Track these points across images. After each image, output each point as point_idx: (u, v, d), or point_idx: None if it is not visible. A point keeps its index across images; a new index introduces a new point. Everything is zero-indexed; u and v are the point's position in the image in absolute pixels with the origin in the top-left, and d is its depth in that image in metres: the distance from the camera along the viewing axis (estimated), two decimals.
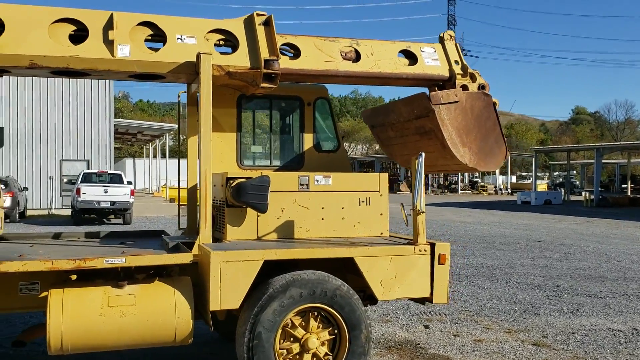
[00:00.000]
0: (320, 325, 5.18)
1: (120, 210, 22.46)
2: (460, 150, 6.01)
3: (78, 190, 21.73)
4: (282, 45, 5.96)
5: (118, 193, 22.13)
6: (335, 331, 5.20)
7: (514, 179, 74.18)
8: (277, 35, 5.91)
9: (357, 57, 6.09)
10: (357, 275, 5.32)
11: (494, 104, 6.32)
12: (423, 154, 5.36)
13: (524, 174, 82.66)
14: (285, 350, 5.08)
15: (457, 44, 6.56)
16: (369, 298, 5.66)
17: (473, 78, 6.33)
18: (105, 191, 21.96)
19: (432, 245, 5.45)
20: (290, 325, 5.07)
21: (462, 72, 6.31)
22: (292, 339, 5.10)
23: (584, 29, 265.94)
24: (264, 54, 5.74)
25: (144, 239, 6.62)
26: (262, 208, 5.54)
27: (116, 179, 23.40)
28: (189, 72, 5.59)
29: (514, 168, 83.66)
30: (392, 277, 5.29)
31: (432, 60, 6.38)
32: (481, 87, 6.30)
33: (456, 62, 6.37)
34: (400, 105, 6.50)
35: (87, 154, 31.09)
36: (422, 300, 5.72)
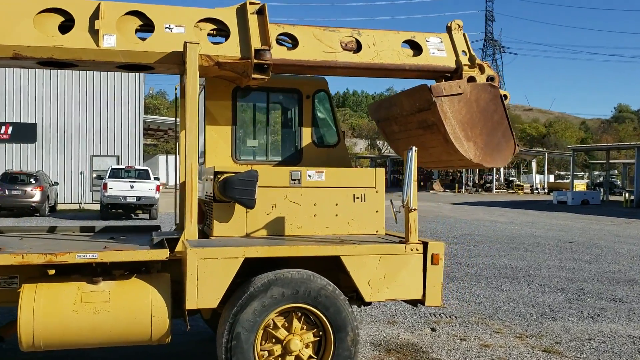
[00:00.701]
0: (305, 327, 4.94)
1: (146, 206, 22.63)
2: (465, 145, 5.70)
3: (105, 186, 21.97)
4: (280, 35, 5.75)
5: (144, 188, 22.31)
6: (320, 333, 4.95)
7: (552, 178, 72.36)
8: (274, 25, 5.71)
9: (358, 48, 5.84)
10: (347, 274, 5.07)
11: (503, 96, 5.98)
12: (414, 148, 5.05)
13: (562, 173, 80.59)
14: (266, 352, 4.85)
15: (465, 34, 6.24)
16: (362, 299, 5.39)
17: (482, 69, 6.01)
18: (132, 186, 22.15)
19: (425, 245, 5.14)
20: (272, 325, 4.84)
21: (469, 63, 6.00)
22: (274, 340, 4.86)
23: (628, 25, 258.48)
24: (256, 43, 5.53)
25: (139, 234, 6.47)
26: (249, 204, 5.33)
27: (143, 175, 23.59)
28: (177, 62, 5.41)
29: (552, 167, 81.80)
30: (381, 277, 5.01)
31: (437, 51, 6.09)
32: (490, 78, 5.98)
33: (464, 52, 6.07)
34: (402, 97, 6.21)
35: (117, 150, 31.48)
36: (414, 303, 5.42)
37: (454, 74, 6.02)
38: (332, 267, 5.22)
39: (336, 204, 5.68)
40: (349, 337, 4.90)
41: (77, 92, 30.91)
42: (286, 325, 4.88)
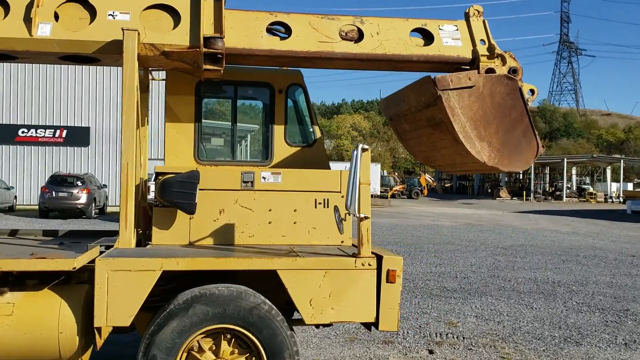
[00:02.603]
0: (236, 351, 4.31)
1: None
2: (477, 146, 4.96)
3: (147, 188, 22.16)
4: (273, 24, 5.22)
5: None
6: (254, 358, 4.30)
7: (630, 186, 68.19)
8: (266, 14, 5.22)
9: (360, 37, 5.23)
10: None
11: (530, 91, 5.21)
12: (360, 146, 4.34)
13: None
14: None
15: (486, 21, 5.49)
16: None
17: (503, 60, 5.23)
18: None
19: (380, 259, 4.40)
20: (197, 348, 4.24)
21: (488, 53, 5.26)
22: None
23: None
24: (207, 31, 5.00)
25: (101, 239, 6.02)
26: (188, 208, 4.79)
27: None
28: (120, 52, 4.93)
29: (631, 175, 77.28)
30: (325, 295, 4.31)
31: (452, 40, 5.37)
32: (512, 70, 5.20)
33: (482, 41, 5.34)
34: (409, 92, 5.53)
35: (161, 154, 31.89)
36: (368, 326, 4.69)
37: (471, 65, 5.29)
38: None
39: (295, 210, 5.05)
40: None
41: None
42: (214, 348, 4.27)
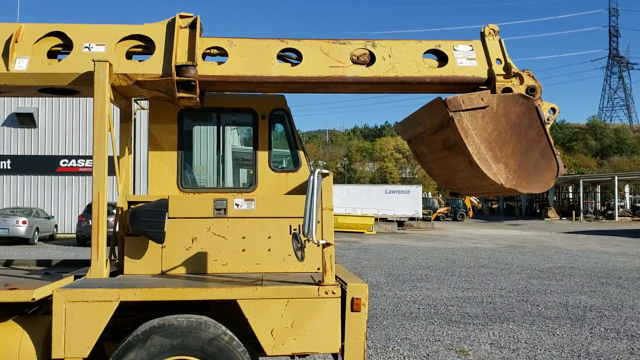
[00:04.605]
0: None
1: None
2: (493, 168, 4.79)
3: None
4: (285, 51, 5.22)
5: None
6: None
7: None
8: (277, 41, 5.22)
9: (372, 61, 5.17)
10: None
11: (550, 110, 5.02)
12: (317, 171, 4.20)
13: None
14: None
15: (502, 40, 5.34)
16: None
17: (520, 79, 5.06)
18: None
19: (344, 287, 4.22)
20: None
21: (504, 73, 5.09)
22: None
23: None
24: (181, 59, 5.00)
25: (82, 269, 6.01)
26: (157, 237, 4.74)
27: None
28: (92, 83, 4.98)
29: None
30: (287, 325, 4.15)
31: (467, 60, 5.25)
32: (530, 89, 5.01)
33: (498, 60, 5.19)
34: (423, 114, 5.39)
35: None
36: (334, 355, 4.49)
37: (487, 85, 5.14)
38: None
39: (269, 237, 4.94)
40: None
41: None
42: None
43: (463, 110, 4.79)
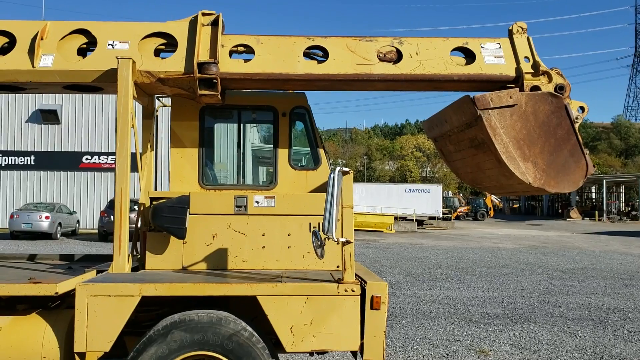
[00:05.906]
0: None
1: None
2: (521, 167, 4.76)
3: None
4: (310, 48, 5.22)
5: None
6: None
7: None
8: (304, 38, 5.22)
9: (399, 58, 5.15)
10: None
11: (579, 109, 4.96)
12: (337, 169, 4.19)
13: None
14: None
15: (530, 38, 5.30)
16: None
17: (549, 77, 5.01)
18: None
19: (363, 285, 4.21)
20: None
21: (532, 71, 5.04)
22: None
23: None
24: (203, 57, 5.02)
25: (104, 263, 6.07)
26: (178, 233, 4.77)
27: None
28: (115, 80, 5.02)
29: None
30: (306, 322, 4.16)
31: (494, 58, 5.21)
32: (558, 87, 4.97)
33: (526, 58, 5.15)
34: (450, 112, 5.37)
35: None
36: (354, 353, 4.47)
37: (515, 83, 5.10)
38: None
39: (289, 234, 4.94)
40: None
41: None
42: None
43: (491, 109, 4.76)
